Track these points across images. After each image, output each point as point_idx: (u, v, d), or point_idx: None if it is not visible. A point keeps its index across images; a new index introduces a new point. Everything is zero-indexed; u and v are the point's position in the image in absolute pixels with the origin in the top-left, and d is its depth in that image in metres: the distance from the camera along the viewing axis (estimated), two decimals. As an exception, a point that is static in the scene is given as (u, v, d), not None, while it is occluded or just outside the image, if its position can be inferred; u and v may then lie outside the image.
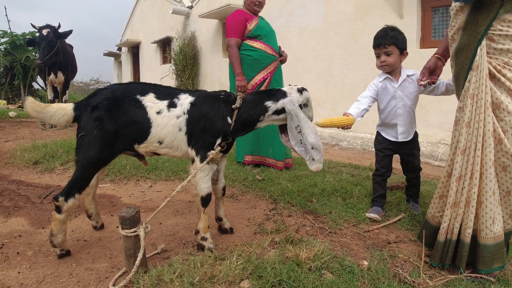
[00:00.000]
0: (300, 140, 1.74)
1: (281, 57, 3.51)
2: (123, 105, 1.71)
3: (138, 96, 1.74)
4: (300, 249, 1.71)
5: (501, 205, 1.52)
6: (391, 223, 2.20)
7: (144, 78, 12.55)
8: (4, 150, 3.99)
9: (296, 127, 1.74)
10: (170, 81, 9.79)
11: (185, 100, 1.75)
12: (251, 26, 3.34)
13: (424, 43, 4.59)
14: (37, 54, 5.68)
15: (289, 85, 1.90)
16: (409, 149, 2.28)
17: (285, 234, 2.01)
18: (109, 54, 14.85)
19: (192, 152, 1.75)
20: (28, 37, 9.05)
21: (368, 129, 5.24)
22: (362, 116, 2.23)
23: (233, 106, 1.75)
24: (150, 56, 11.96)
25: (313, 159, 1.72)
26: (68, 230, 2.12)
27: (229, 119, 1.75)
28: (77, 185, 1.69)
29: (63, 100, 6.17)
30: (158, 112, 1.72)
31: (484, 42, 1.48)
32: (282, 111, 1.78)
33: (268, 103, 1.79)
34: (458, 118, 1.63)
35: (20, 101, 9.69)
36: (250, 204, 2.55)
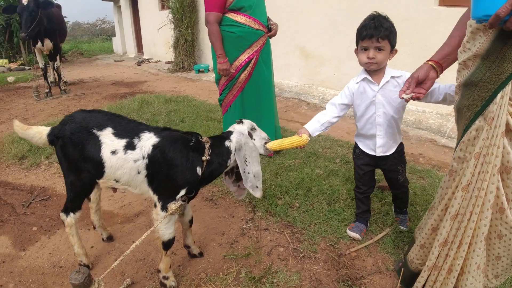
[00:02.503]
0: (244, 169, 1.65)
1: (270, 32, 3.09)
2: (82, 139, 1.60)
3: (94, 131, 1.60)
4: (262, 293, 1.65)
5: (486, 269, 1.35)
6: (372, 243, 2.08)
7: (144, 24, 11.88)
8: (-7, 137, 3.97)
9: (243, 156, 1.64)
10: (168, 32, 9.22)
11: (147, 142, 1.56)
12: None
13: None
14: None
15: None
16: (392, 165, 2.02)
17: (255, 260, 1.95)
18: (107, -2, 13.95)
19: (154, 196, 1.62)
20: None
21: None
22: (326, 129, 1.98)
23: (203, 158, 1.58)
24: (148, 1, 11.14)
25: (256, 187, 1.66)
26: (46, 253, 2.14)
27: (198, 170, 1.58)
28: (69, 206, 1.78)
29: (55, 67, 5.96)
30: (113, 152, 1.56)
31: (508, 88, 1.12)
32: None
33: (227, 143, 1.64)
34: (454, 169, 1.33)
35: (22, 59, 9.50)
36: (228, 212, 2.47)
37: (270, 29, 3.09)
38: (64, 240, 2.24)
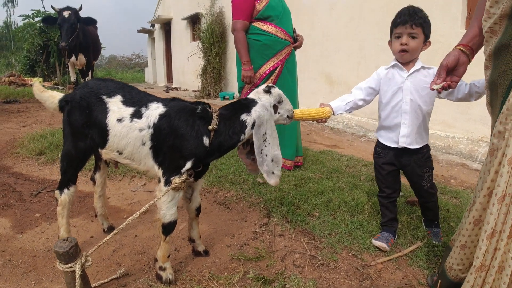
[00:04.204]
0: (262, 150, 1.49)
1: (296, 43, 3.06)
2: (90, 104, 1.55)
3: (104, 97, 1.55)
4: (271, 294, 1.41)
5: None
6: (401, 256, 1.81)
7: (176, 55, 12.45)
8: (17, 136, 4.04)
9: (263, 134, 1.48)
10: (197, 60, 9.56)
11: (154, 111, 1.49)
12: (260, 5, 2.89)
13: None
14: None
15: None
16: (416, 167, 1.82)
17: (266, 263, 1.72)
18: (143, 30, 14.86)
19: (159, 171, 1.50)
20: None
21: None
22: (349, 111, 1.87)
23: (209, 127, 1.45)
24: (180, 33, 11.76)
25: (273, 173, 1.50)
26: (43, 237, 2.02)
27: (205, 140, 1.45)
28: (62, 180, 1.71)
29: (86, 82, 6.19)
30: (119, 120, 1.49)
31: None
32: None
33: (243, 117, 1.50)
34: (496, 146, 1.17)
35: (56, 79, 10.04)
36: (241, 216, 2.27)
37: (295, 40, 3.07)
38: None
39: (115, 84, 1.60)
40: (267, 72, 2.95)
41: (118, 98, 1.53)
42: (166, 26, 13.21)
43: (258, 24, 2.91)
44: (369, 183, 2.84)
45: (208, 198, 2.55)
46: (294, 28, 3.09)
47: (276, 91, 1.57)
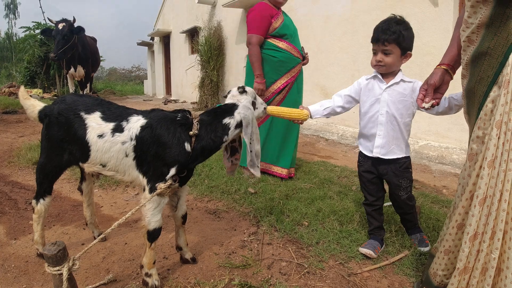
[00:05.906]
0: (250, 148, 1.58)
1: (304, 60, 3.14)
2: (69, 120, 1.58)
3: (82, 113, 1.58)
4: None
5: None
6: (388, 264, 1.82)
7: (174, 67, 12.61)
8: (15, 146, 4.08)
9: (250, 133, 1.57)
10: (195, 73, 9.68)
11: (135, 124, 1.53)
12: (277, 23, 2.97)
13: (464, 34, 3.93)
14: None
15: (228, 93, 1.70)
16: (393, 176, 1.85)
17: (253, 271, 1.73)
18: (142, 43, 15.09)
19: (143, 180, 1.53)
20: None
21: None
22: (327, 116, 1.94)
23: (190, 132, 1.50)
24: (179, 46, 11.94)
25: (257, 166, 1.60)
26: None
27: (187, 146, 1.49)
28: (38, 191, 1.74)
29: (84, 94, 6.26)
30: (100, 136, 1.52)
31: None
32: (241, 123, 1.59)
33: (226, 120, 1.56)
34: (474, 151, 1.22)
35: (56, 90, 10.14)
36: (231, 225, 2.29)
37: (304, 58, 3.15)
38: (58, 235, 2.16)
39: (93, 101, 1.64)
40: (278, 90, 3.02)
41: (97, 115, 1.56)
42: (166, 39, 13.42)
43: (273, 41, 2.98)
44: (360, 193, 2.86)
45: (199, 207, 2.57)
46: (303, 47, 3.18)
47: (249, 89, 1.64)
